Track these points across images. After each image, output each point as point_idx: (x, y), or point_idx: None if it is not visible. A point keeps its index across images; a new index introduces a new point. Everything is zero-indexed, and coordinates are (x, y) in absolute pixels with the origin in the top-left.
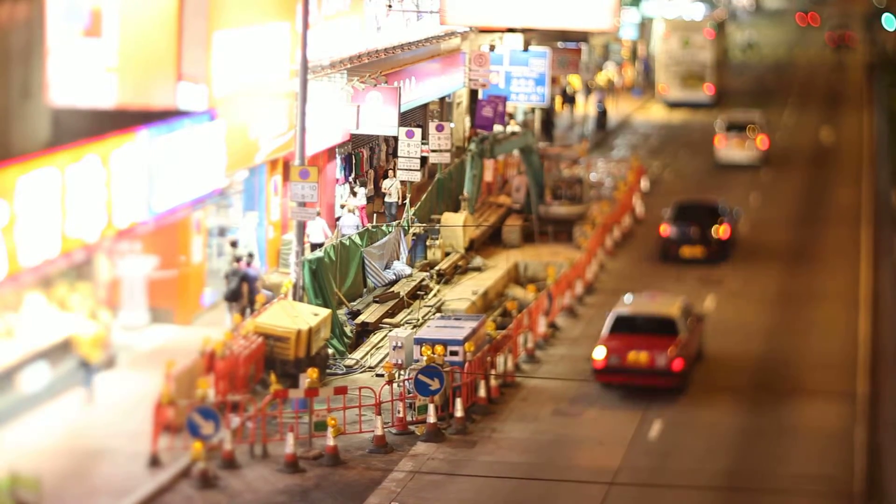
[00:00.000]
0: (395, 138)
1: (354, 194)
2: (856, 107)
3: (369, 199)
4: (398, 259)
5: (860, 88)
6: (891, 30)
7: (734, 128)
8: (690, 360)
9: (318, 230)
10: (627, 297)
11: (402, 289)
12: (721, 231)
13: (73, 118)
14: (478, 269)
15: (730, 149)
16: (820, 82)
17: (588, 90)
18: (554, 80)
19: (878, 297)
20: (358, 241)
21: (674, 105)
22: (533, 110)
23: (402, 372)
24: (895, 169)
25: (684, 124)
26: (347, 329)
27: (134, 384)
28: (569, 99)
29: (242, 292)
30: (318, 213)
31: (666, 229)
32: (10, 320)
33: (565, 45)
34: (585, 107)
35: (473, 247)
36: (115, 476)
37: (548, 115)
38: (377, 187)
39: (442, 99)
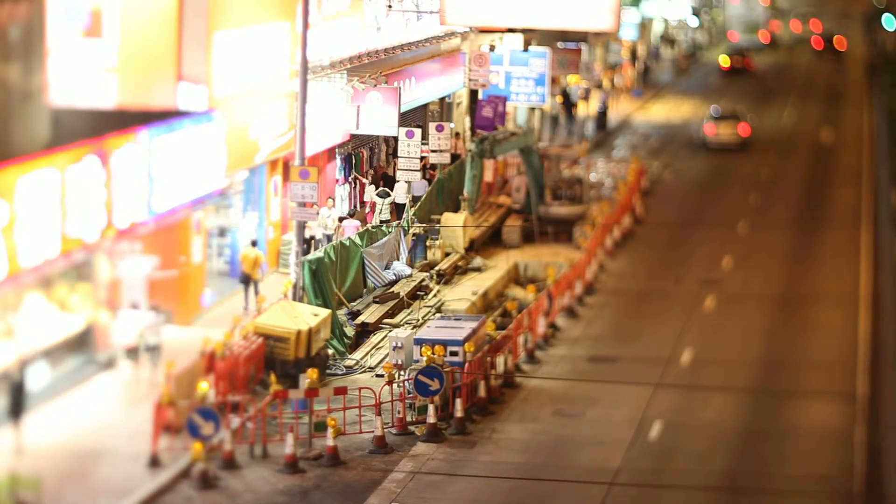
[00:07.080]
0: (395, 138)
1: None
2: (856, 106)
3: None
4: (398, 259)
5: (860, 88)
6: (891, 30)
7: (800, 16)
8: None
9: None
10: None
11: (402, 289)
12: None
13: (73, 118)
14: (478, 270)
15: (800, 31)
16: (821, 83)
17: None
18: (554, 81)
19: (878, 297)
20: (358, 241)
21: (737, 50)
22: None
23: (401, 372)
24: (895, 169)
25: (684, 124)
26: (347, 329)
27: (134, 385)
28: (599, 84)
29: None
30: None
31: None
32: (10, 320)
33: (565, 45)
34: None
35: (473, 247)
36: (115, 476)
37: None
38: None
39: (442, 99)
